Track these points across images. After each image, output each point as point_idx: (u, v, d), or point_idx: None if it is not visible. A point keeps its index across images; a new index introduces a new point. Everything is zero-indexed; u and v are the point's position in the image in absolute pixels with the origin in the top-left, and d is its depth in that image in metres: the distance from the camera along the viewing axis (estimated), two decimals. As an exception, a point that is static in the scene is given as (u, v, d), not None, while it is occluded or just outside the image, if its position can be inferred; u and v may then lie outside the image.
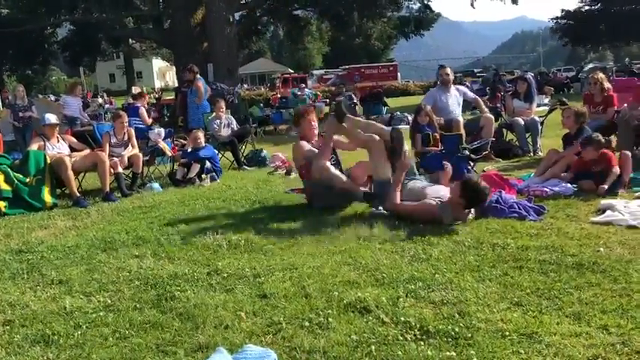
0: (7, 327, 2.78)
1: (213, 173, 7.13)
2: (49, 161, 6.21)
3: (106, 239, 4.41)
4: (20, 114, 10.95)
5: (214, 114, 8.90)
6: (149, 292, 3.14)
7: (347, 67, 36.90)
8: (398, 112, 14.42)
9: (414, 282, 3.01)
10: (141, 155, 6.93)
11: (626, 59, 35.42)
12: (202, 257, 3.74)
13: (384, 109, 16.11)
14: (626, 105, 6.67)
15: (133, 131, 7.16)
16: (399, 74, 39.67)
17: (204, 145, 7.39)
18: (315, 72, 42.96)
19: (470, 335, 2.35)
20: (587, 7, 33.53)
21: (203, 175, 6.97)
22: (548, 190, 4.96)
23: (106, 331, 2.65)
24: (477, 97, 7.96)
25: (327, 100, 17.86)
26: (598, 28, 31.19)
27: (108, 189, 6.34)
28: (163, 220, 4.98)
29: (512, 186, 5.05)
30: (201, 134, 7.55)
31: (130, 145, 6.94)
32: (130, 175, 6.91)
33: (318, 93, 20.85)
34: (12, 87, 27.25)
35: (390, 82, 34.90)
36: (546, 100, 15.92)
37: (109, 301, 3.03)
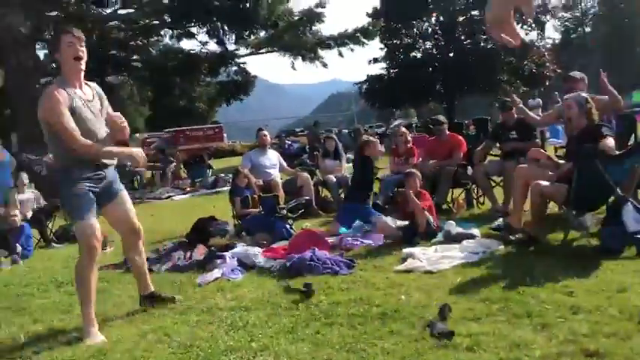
0: None
1: (16, 255, 6.43)
2: None
3: None
4: None
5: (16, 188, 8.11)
6: None
7: (171, 129, 36.32)
8: (223, 175, 14.44)
9: (230, 353, 2.98)
10: None
11: (414, 119, 39.85)
12: (-5, 354, 3.31)
13: (208, 172, 16.03)
14: (420, 159, 7.45)
15: None
16: (225, 135, 40.00)
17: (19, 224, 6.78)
18: (136, 135, 41.52)
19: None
20: (387, 72, 37.40)
21: (2, 258, 6.24)
22: (358, 242, 5.31)
23: None
24: (286, 167, 8.28)
25: (152, 164, 17.29)
26: (398, 91, 34.84)
27: None
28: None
29: (325, 243, 5.29)
30: (17, 211, 6.91)
31: None
32: None
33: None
34: None
35: (217, 143, 35.04)
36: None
37: None
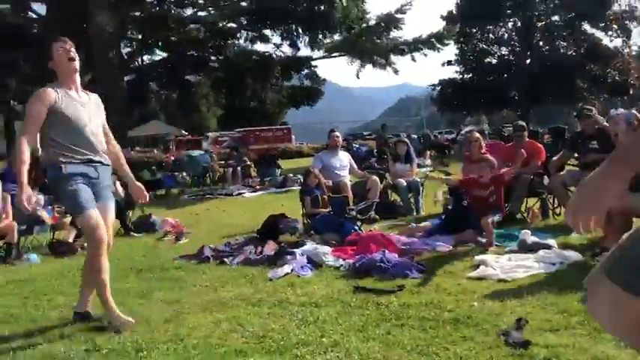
0: None
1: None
2: None
3: (-31, 319, 4.02)
4: None
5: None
6: (17, 376, 2.90)
7: (242, 129, 37.26)
8: (291, 174, 14.66)
9: (302, 347, 3.03)
10: (15, 225, 6.47)
11: (486, 125, 38.78)
12: (81, 333, 3.52)
13: (277, 171, 16.30)
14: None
15: (8, 198, 6.71)
16: (293, 137, 40.63)
17: None
18: (209, 134, 42.85)
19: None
20: (460, 77, 36.79)
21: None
22: (427, 247, 5.27)
23: None
24: (357, 169, 8.32)
25: (223, 162, 17.80)
26: (471, 97, 34.13)
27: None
28: (39, 295, 4.65)
29: (395, 245, 5.27)
30: None
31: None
32: (4, 247, 6.42)
33: (214, 155, 20.74)
34: None
35: (285, 144, 35.69)
36: (428, 162, 16.94)
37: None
